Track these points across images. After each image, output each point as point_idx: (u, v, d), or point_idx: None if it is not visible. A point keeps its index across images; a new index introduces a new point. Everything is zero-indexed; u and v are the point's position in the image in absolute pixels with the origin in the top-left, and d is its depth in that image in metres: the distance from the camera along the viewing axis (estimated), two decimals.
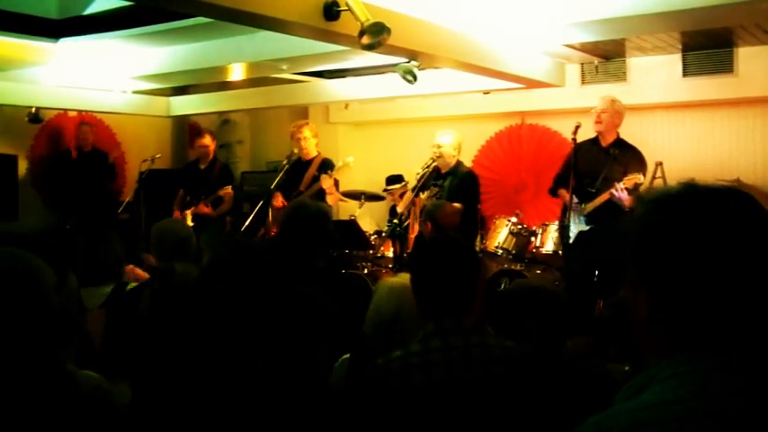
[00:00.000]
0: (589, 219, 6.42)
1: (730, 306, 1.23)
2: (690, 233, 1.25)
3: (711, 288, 1.23)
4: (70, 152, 9.43)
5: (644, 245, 1.31)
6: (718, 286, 1.23)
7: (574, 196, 6.54)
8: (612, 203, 6.31)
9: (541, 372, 2.45)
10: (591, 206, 6.37)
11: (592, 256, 6.21)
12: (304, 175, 7.63)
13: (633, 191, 6.26)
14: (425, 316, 2.52)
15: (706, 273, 1.23)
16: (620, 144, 6.66)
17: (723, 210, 1.26)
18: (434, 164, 7.08)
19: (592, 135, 6.88)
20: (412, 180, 7.43)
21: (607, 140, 6.60)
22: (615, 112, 6.65)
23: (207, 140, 8.59)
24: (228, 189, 8.24)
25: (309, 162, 7.71)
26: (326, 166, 7.54)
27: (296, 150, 7.71)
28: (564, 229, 6.67)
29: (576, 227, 6.56)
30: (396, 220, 6.99)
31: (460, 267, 2.54)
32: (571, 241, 6.57)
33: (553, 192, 7.06)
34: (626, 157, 6.54)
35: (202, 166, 8.59)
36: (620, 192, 6.20)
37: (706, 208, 1.27)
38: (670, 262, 1.26)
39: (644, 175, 6.46)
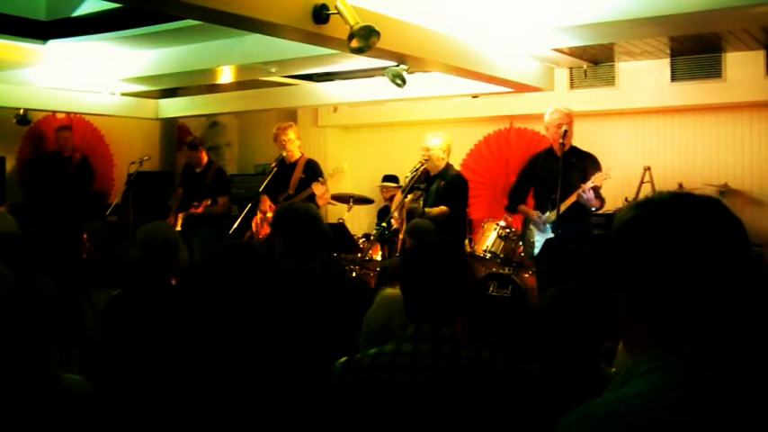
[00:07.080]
0: (554, 225, 6.41)
1: (704, 306, 1.31)
2: (667, 239, 1.33)
3: (687, 290, 1.31)
4: (58, 154, 9.39)
5: (624, 249, 1.38)
6: (692, 288, 1.31)
7: (538, 211, 6.63)
8: (577, 207, 6.36)
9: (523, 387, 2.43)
10: (561, 208, 6.35)
11: (561, 260, 6.24)
12: (290, 177, 7.59)
13: (598, 192, 6.38)
14: (409, 320, 2.52)
15: (683, 276, 1.31)
16: (576, 151, 6.66)
17: (700, 218, 1.34)
18: (423, 167, 7.07)
19: (581, 140, 6.90)
20: (403, 182, 7.45)
21: (563, 149, 6.54)
22: (571, 120, 6.62)
23: (191, 152, 8.60)
24: (225, 198, 8.41)
25: (294, 164, 7.65)
26: (315, 170, 7.52)
27: (284, 153, 7.66)
28: (527, 242, 6.80)
29: (541, 236, 6.60)
30: (384, 224, 6.97)
31: (443, 274, 2.49)
32: (537, 251, 6.63)
33: (511, 209, 7.04)
34: (584, 162, 6.58)
35: (198, 170, 8.56)
36: (587, 192, 6.28)
37: (684, 216, 1.34)
38: (648, 266, 1.34)
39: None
